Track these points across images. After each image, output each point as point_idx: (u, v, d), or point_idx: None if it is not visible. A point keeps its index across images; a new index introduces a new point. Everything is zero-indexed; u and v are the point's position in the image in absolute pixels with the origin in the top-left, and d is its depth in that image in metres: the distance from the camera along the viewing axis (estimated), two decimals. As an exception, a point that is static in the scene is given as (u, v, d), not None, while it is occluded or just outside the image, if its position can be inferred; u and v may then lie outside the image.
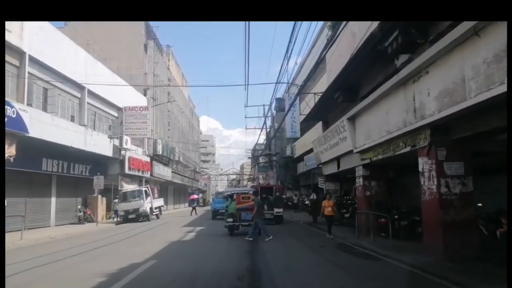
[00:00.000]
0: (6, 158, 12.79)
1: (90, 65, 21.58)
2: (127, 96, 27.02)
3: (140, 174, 27.20)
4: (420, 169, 8.14)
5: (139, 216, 21.96)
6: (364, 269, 7.45)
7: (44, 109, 17.11)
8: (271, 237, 11.68)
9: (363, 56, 10.00)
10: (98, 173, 20.13)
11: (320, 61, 12.64)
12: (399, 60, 9.13)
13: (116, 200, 22.73)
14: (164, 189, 38.08)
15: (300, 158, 27.51)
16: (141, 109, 27.35)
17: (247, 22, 12.06)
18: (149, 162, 29.63)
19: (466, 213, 7.42)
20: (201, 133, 74.82)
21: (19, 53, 15.21)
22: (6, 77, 14.43)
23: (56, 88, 18.22)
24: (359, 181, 12.73)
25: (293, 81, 24.52)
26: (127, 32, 31.57)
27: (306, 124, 24.73)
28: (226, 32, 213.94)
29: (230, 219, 13.40)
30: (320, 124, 20.68)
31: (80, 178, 20.56)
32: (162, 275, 6.77)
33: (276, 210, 18.54)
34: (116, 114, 26.18)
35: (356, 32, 11.15)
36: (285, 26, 48.35)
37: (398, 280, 6.38)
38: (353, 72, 11.77)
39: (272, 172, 38.31)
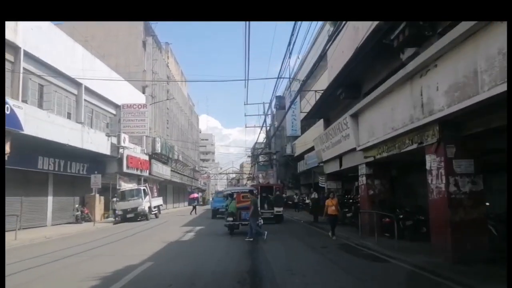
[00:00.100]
0: (0, 156, 12.49)
1: (88, 62, 21.19)
2: (125, 93, 26.65)
3: (138, 172, 26.86)
4: (427, 167, 7.85)
5: (138, 216, 21.62)
6: (373, 272, 7.00)
7: (40, 106, 16.79)
8: (252, 239, 11.24)
9: (367, 50, 9.74)
10: (96, 172, 19.77)
11: (323, 55, 12.37)
12: (405, 54, 8.86)
13: (115, 199, 22.40)
14: (163, 188, 37.78)
15: (301, 157, 27.29)
16: (140, 106, 26.96)
17: (247, 22, 12.01)
18: (148, 160, 29.27)
19: (476, 212, 7.14)
20: (200, 132, 74.51)
21: (14, 48, 14.86)
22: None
23: (52, 84, 17.89)
24: (362, 180, 12.47)
25: (295, 76, 24.22)
26: (126, 29, 31.17)
27: (307, 122, 24.47)
28: (226, 32, 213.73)
29: (230, 218, 13.35)
30: (321, 122, 20.47)
31: (77, 176, 20.23)
32: (160, 276, 6.57)
33: (276, 209, 18.47)
34: (114, 112, 25.84)
35: (359, 27, 10.86)
36: (285, 26, 48.12)
37: (412, 285, 6.10)
38: (356, 68, 11.53)
39: (272, 171, 38.04)
